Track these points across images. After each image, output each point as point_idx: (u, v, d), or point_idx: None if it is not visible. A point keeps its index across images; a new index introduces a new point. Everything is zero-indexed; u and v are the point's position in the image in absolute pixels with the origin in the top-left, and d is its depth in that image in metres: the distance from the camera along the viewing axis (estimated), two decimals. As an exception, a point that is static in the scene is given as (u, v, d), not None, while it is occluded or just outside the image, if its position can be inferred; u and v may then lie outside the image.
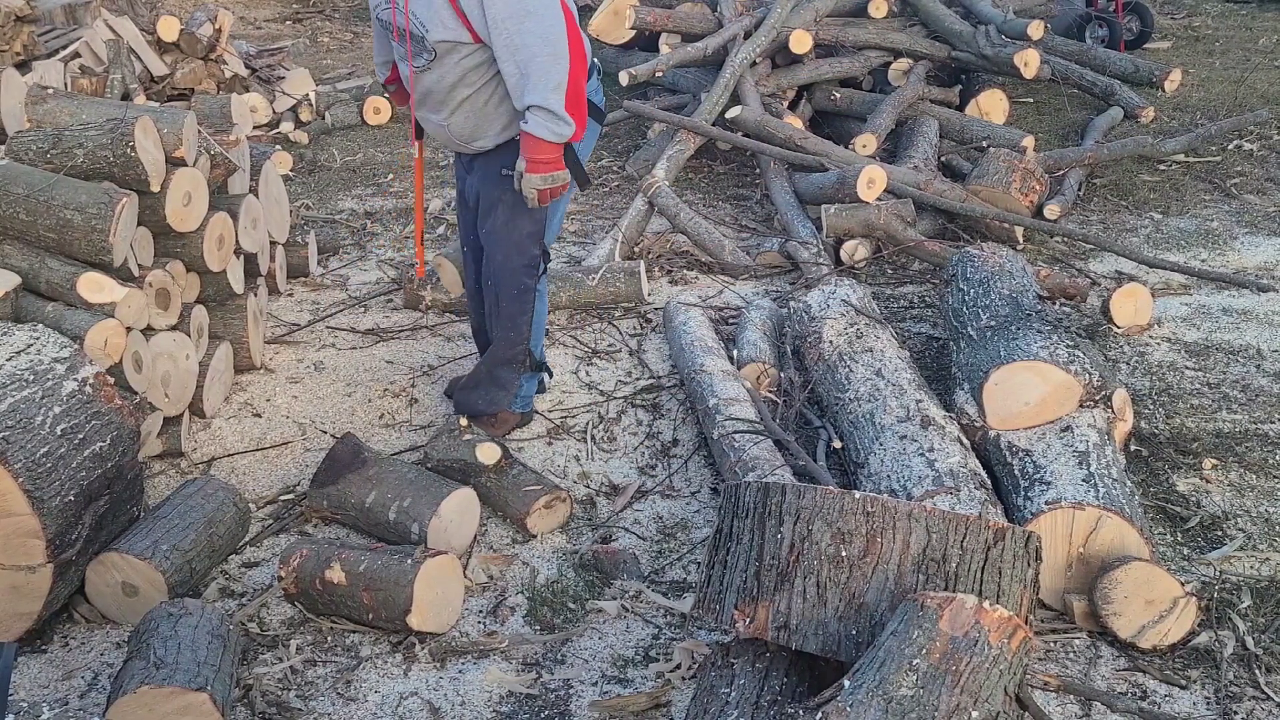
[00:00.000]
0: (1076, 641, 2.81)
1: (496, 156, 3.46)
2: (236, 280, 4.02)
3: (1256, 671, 2.68)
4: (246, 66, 7.58)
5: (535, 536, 3.29)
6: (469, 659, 2.83)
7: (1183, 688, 2.66)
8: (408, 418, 3.93)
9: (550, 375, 4.01)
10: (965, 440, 3.27)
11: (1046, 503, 2.89)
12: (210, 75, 7.19)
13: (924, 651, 1.97)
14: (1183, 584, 2.77)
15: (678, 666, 2.76)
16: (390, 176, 6.44)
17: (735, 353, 4.07)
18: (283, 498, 3.50)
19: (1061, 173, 5.76)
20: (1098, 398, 3.26)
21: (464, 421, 3.54)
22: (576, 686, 2.74)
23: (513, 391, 3.75)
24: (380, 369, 4.25)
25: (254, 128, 6.99)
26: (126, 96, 6.36)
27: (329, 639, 2.89)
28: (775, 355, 4.04)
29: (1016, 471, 3.09)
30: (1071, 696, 2.59)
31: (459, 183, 3.74)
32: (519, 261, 3.55)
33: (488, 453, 3.37)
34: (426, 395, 4.05)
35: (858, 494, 2.26)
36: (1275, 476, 3.45)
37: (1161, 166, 6.13)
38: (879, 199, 5.07)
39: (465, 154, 3.57)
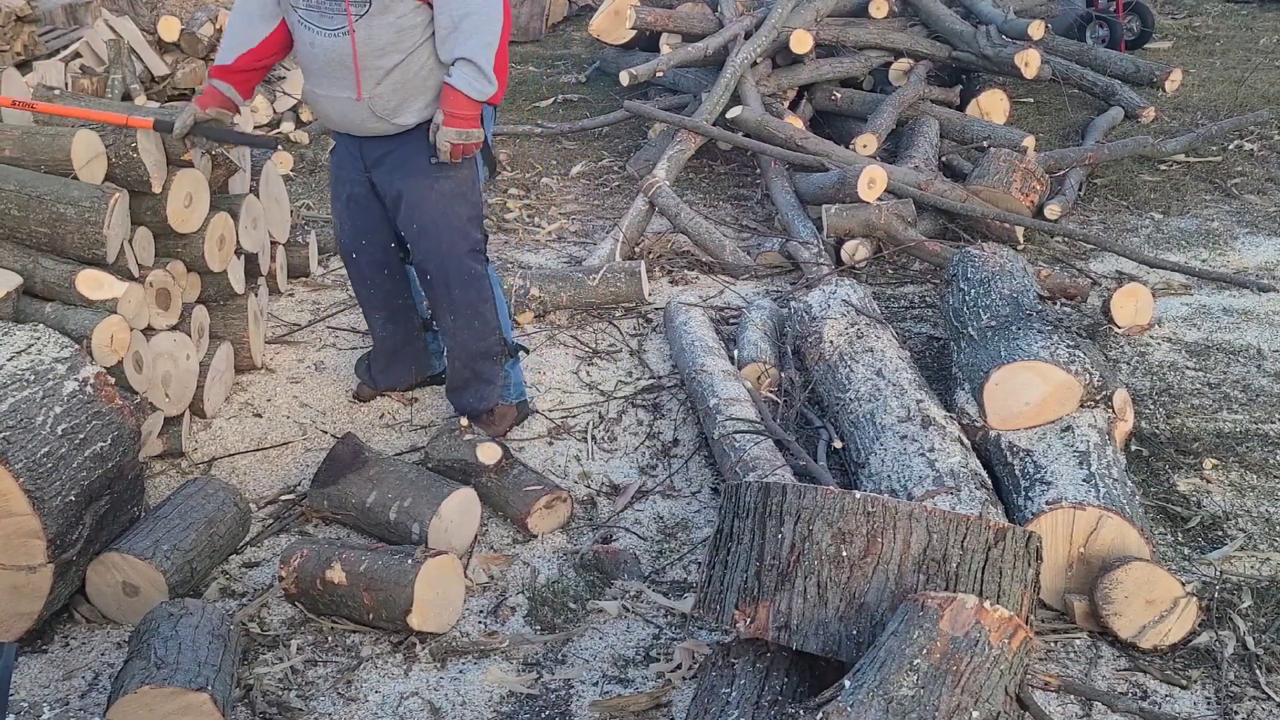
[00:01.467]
0: (1077, 641, 2.81)
1: (419, 145, 3.33)
2: (237, 280, 4.02)
3: (1257, 671, 2.68)
4: (247, 66, 7.57)
5: (536, 536, 3.29)
6: (469, 659, 2.83)
7: (1183, 688, 2.66)
8: (408, 417, 3.93)
9: (526, 353, 3.96)
10: (966, 440, 3.27)
11: (1047, 503, 2.89)
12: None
13: (924, 651, 1.97)
14: (1183, 584, 2.77)
15: (678, 666, 2.76)
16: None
17: (736, 353, 4.07)
18: (283, 498, 3.50)
19: (1062, 173, 5.75)
20: (1098, 398, 3.26)
21: (464, 422, 3.54)
22: (577, 686, 2.74)
23: (499, 383, 3.71)
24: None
25: (255, 127, 6.99)
26: (127, 96, 6.36)
27: (329, 639, 2.89)
28: (776, 355, 4.04)
29: (1017, 471, 3.09)
30: (1072, 696, 2.59)
31: (349, 185, 3.54)
32: (464, 248, 3.48)
33: (488, 453, 3.37)
34: (427, 395, 4.05)
35: (858, 494, 2.26)
36: (1276, 476, 3.45)
37: (1162, 166, 6.13)
38: (879, 199, 5.07)
39: (374, 143, 3.38)
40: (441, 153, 3.26)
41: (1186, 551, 3.13)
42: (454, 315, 3.58)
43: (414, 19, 3.17)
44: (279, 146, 3.36)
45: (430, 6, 3.16)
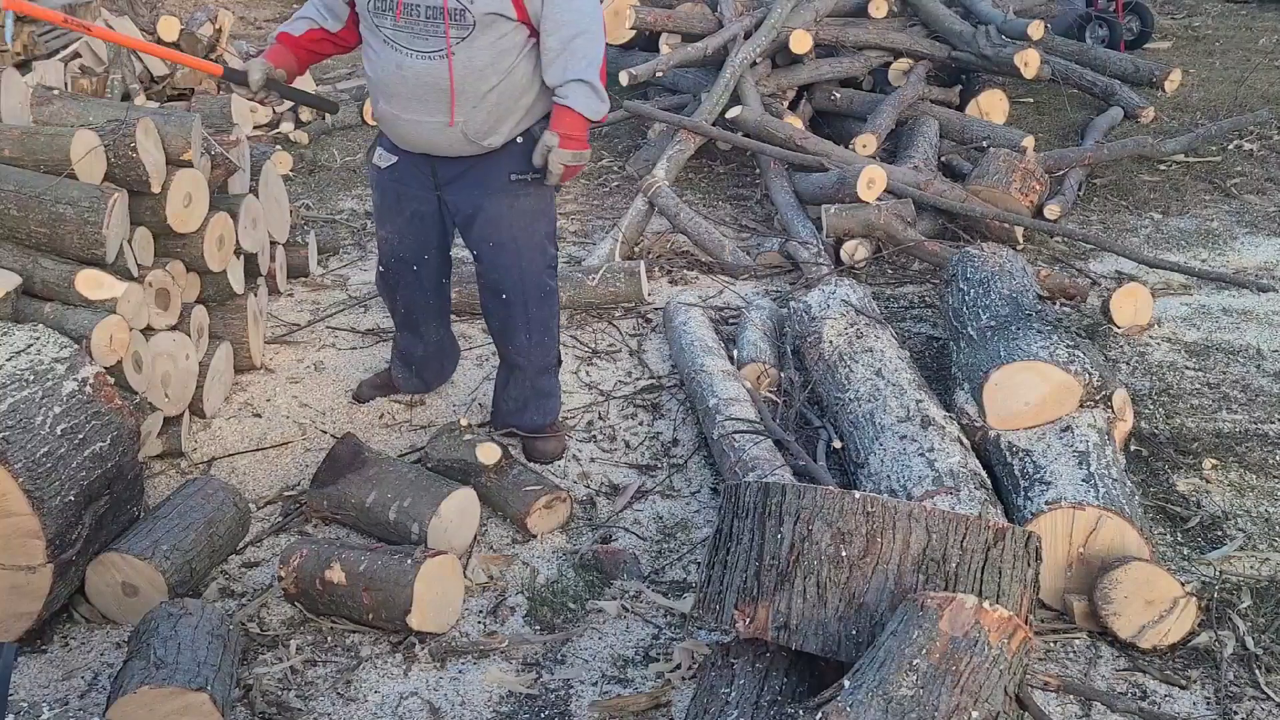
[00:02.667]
0: (1076, 641, 2.81)
1: (500, 162, 3.27)
2: (237, 280, 4.02)
3: (1256, 671, 2.68)
4: (247, 66, 7.57)
5: (535, 537, 3.29)
6: (469, 659, 2.83)
7: (1183, 688, 2.66)
8: (408, 418, 3.93)
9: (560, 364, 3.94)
10: (965, 440, 3.27)
11: (1046, 503, 2.89)
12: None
13: (924, 651, 1.97)
14: (1183, 584, 2.77)
15: (678, 666, 2.76)
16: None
17: (735, 353, 4.07)
18: (285, 494, 3.50)
19: (1061, 173, 5.76)
20: (1098, 398, 3.26)
21: (464, 421, 3.54)
22: (576, 686, 2.74)
23: (559, 395, 3.70)
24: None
25: (254, 128, 6.98)
26: (127, 97, 6.36)
27: (329, 639, 2.89)
28: (775, 355, 4.04)
29: (1016, 471, 3.09)
30: (1071, 696, 2.59)
31: (413, 202, 3.43)
32: (542, 264, 3.43)
33: (488, 453, 3.37)
34: (428, 395, 4.05)
35: (858, 494, 2.26)
36: (1275, 476, 3.45)
37: (1161, 167, 6.14)
38: (879, 199, 5.07)
39: (452, 162, 3.30)
40: (553, 176, 3.18)
41: (1186, 551, 3.13)
42: (529, 333, 3.50)
43: (513, 39, 3.09)
44: (339, 109, 3.37)
45: (527, 26, 3.09)
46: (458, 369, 4.09)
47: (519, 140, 3.26)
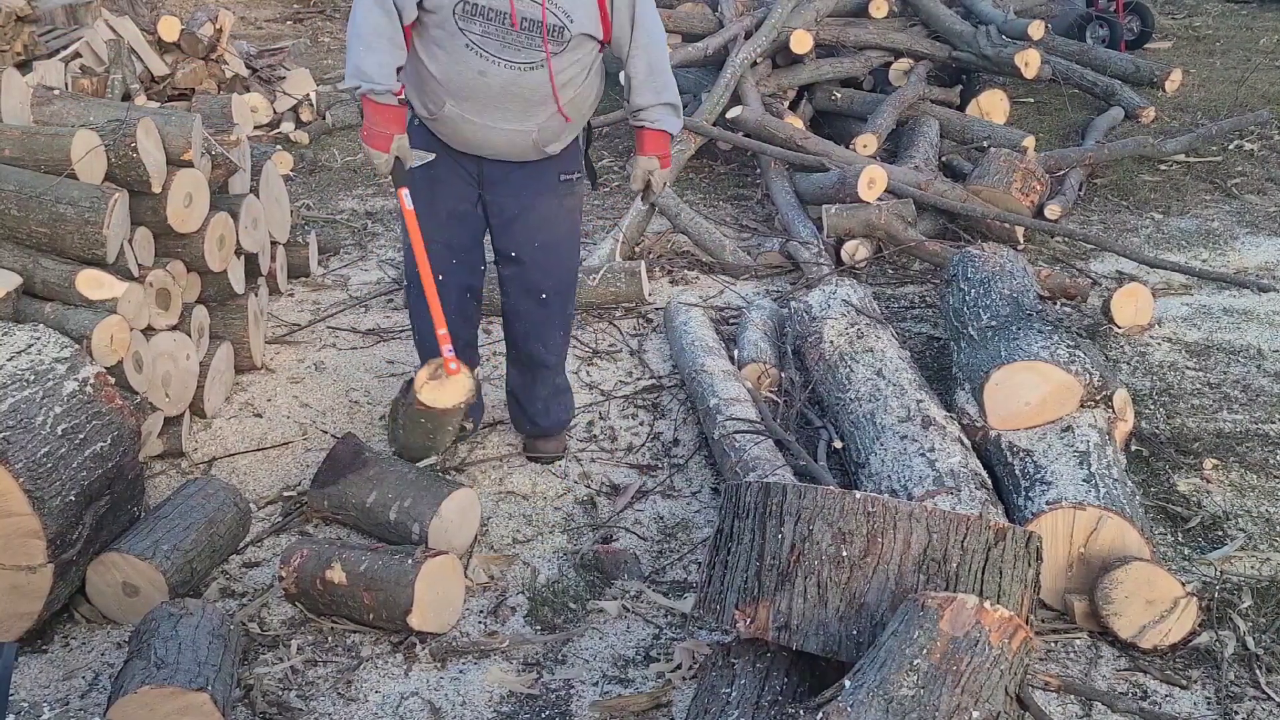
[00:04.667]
0: (1077, 641, 2.81)
1: (552, 164, 3.32)
2: (237, 280, 4.02)
3: (1257, 671, 2.68)
4: (247, 66, 7.59)
5: (436, 409, 3.32)
6: (470, 659, 2.83)
7: (1183, 688, 2.66)
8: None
9: None
10: (966, 440, 3.27)
11: (1047, 503, 2.89)
12: (211, 75, 7.20)
13: (925, 652, 1.97)
14: (1183, 584, 2.77)
15: (678, 666, 2.76)
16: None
17: (736, 353, 4.07)
18: (285, 494, 3.50)
19: (1062, 173, 5.76)
20: (1098, 398, 3.26)
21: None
22: (577, 686, 2.74)
23: (571, 391, 3.76)
24: (381, 369, 4.26)
25: (255, 128, 6.99)
26: (127, 97, 6.36)
27: (329, 639, 2.89)
28: (776, 355, 4.04)
29: (1017, 471, 3.09)
30: (1072, 696, 2.59)
31: (452, 200, 3.33)
32: (576, 264, 3.59)
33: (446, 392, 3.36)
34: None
35: (858, 494, 2.26)
36: (1276, 476, 3.45)
37: (1162, 167, 6.13)
38: (880, 199, 5.07)
39: (501, 164, 3.28)
40: (656, 192, 3.40)
41: (1186, 551, 3.13)
42: (563, 331, 3.58)
43: (591, 55, 3.21)
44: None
45: (604, 44, 3.20)
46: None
47: (571, 143, 3.36)
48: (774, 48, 6.40)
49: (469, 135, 3.23)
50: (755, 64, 6.27)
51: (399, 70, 3.12)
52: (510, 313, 3.54)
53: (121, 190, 3.41)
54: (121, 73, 6.42)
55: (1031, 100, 7.24)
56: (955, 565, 2.19)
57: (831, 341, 3.84)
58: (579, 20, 3.07)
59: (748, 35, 6.32)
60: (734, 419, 3.49)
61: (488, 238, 3.47)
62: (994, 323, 3.60)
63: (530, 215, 3.35)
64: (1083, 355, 3.32)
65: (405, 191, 3.21)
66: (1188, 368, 4.10)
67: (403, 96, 3.21)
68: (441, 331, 3.27)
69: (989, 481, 3.10)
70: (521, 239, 3.39)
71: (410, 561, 2.85)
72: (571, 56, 3.12)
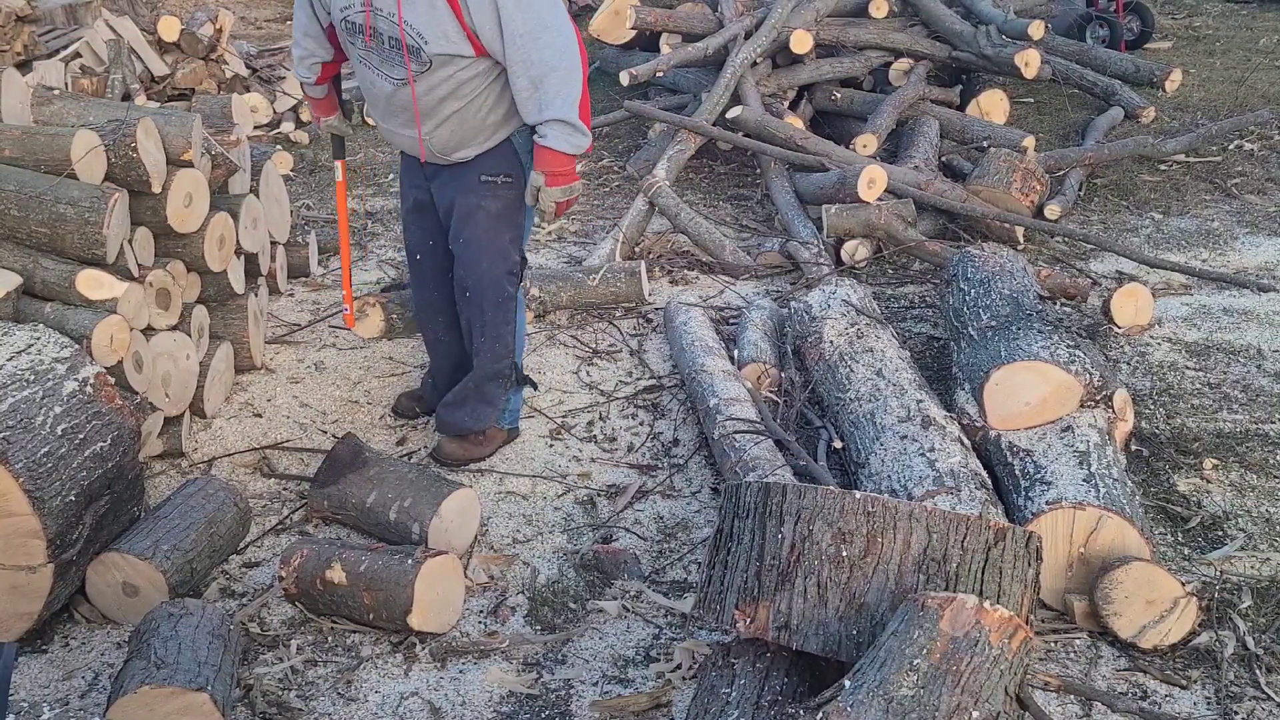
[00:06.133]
0: (1077, 641, 2.81)
1: (473, 166, 3.36)
2: (237, 280, 4.02)
3: (1257, 671, 2.68)
4: (247, 66, 7.59)
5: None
6: (469, 659, 2.83)
7: (1183, 688, 2.66)
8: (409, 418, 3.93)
9: (535, 388, 3.92)
10: (966, 440, 3.27)
11: (1047, 503, 2.89)
12: (211, 75, 7.20)
13: (925, 651, 1.97)
14: (1183, 584, 2.77)
15: (678, 666, 2.76)
16: (391, 176, 6.44)
17: (736, 353, 4.07)
18: (286, 494, 3.50)
19: (1062, 173, 5.76)
20: (1098, 398, 3.26)
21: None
22: (577, 686, 2.74)
23: (500, 407, 3.64)
24: (381, 369, 4.25)
25: (254, 128, 6.99)
26: (127, 97, 6.36)
27: (329, 639, 2.89)
28: (776, 355, 4.04)
29: (1017, 471, 3.09)
30: (1072, 696, 2.59)
31: (414, 191, 3.58)
32: (502, 269, 3.46)
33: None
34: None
35: (858, 494, 2.26)
36: (1276, 476, 3.45)
37: (1162, 167, 6.13)
38: (879, 199, 5.07)
39: (434, 162, 3.44)
40: (547, 214, 3.32)
41: (1186, 551, 3.13)
42: (483, 335, 3.55)
43: (473, 70, 3.16)
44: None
45: (489, 57, 3.15)
46: None
47: (493, 147, 3.33)
48: (774, 48, 6.40)
49: (387, 137, 3.50)
50: (755, 64, 6.27)
51: (327, 64, 3.54)
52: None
53: (121, 190, 3.41)
54: (121, 73, 6.41)
55: (1031, 100, 7.24)
56: (955, 565, 2.19)
57: (831, 341, 3.84)
58: (433, 42, 3.08)
59: (748, 35, 6.32)
60: (734, 419, 3.49)
61: None
62: (994, 323, 3.60)
63: (456, 212, 3.42)
64: (1083, 355, 3.32)
65: (339, 164, 3.87)
66: (1188, 368, 4.10)
67: (321, 82, 3.62)
68: (344, 293, 3.96)
69: (989, 481, 3.10)
70: (452, 234, 3.47)
71: (410, 561, 2.85)
72: (442, 74, 3.15)
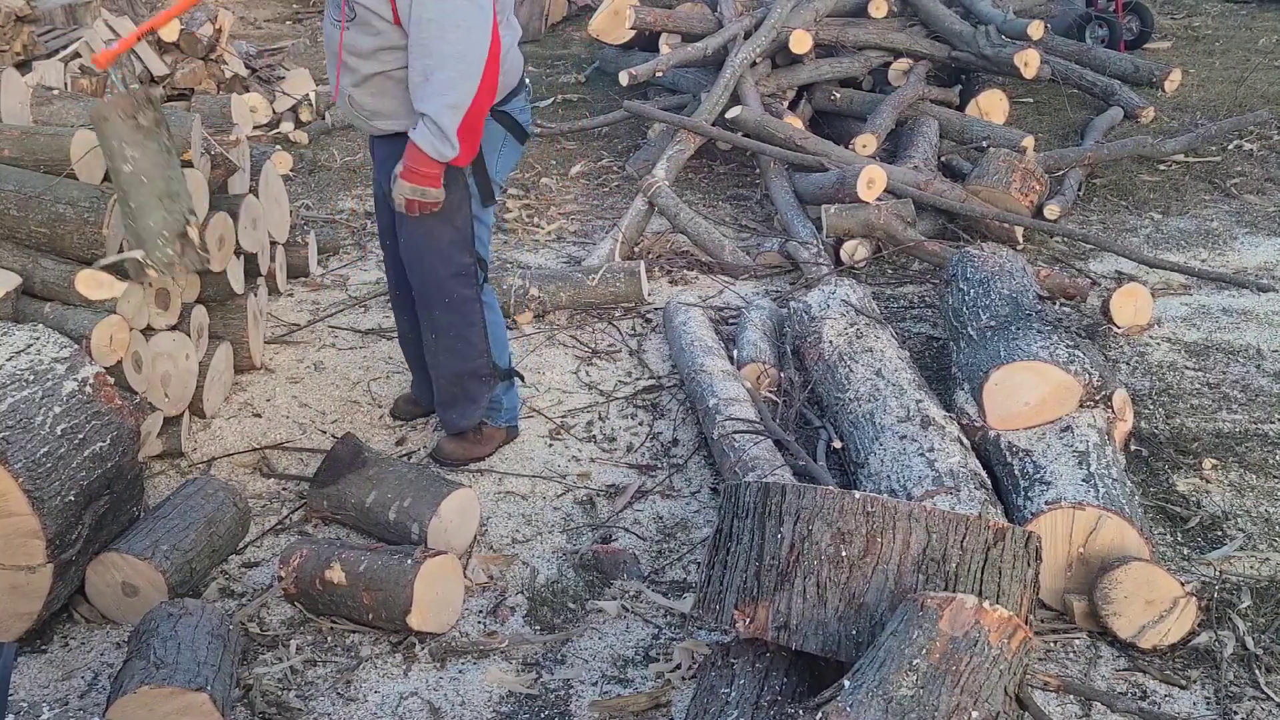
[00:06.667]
0: (1076, 641, 2.81)
1: (396, 151, 3.17)
2: (236, 280, 4.02)
3: (1256, 671, 2.68)
4: (246, 66, 7.59)
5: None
6: (469, 659, 2.83)
7: (1183, 688, 2.66)
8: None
9: (522, 380, 3.84)
10: (965, 440, 3.27)
11: (1046, 503, 2.89)
12: (210, 75, 7.20)
13: (924, 651, 1.97)
14: (1183, 584, 2.77)
15: (678, 666, 2.76)
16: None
17: (735, 353, 4.07)
18: (285, 494, 3.50)
19: (1061, 173, 5.76)
20: (1098, 398, 3.26)
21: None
22: (576, 686, 2.74)
23: (483, 403, 3.59)
24: (381, 369, 4.25)
25: (254, 128, 6.99)
26: (126, 96, 6.35)
27: (329, 639, 2.89)
28: (775, 355, 4.04)
29: (1016, 471, 3.09)
30: (1071, 696, 2.59)
31: (376, 183, 3.49)
32: (445, 272, 3.34)
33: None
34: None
35: (858, 494, 2.26)
36: (1275, 476, 3.45)
37: (1161, 166, 6.13)
38: (879, 199, 5.07)
39: (373, 142, 3.33)
40: (396, 205, 3.16)
41: (1186, 551, 3.13)
42: (435, 334, 3.46)
43: (394, 39, 3.04)
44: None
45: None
46: None
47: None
48: (773, 48, 6.40)
49: (340, 95, 3.30)
50: (755, 64, 6.27)
51: None
52: None
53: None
54: (121, 73, 6.41)
55: (1031, 100, 7.24)
56: (954, 565, 2.19)
57: (831, 341, 3.84)
58: None
59: (747, 35, 6.32)
60: (733, 419, 3.49)
61: None
62: (993, 323, 3.61)
63: (394, 208, 3.28)
64: (1082, 355, 3.32)
65: None
66: (1187, 368, 4.10)
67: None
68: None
69: (988, 481, 3.10)
70: (398, 232, 3.40)
71: (409, 561, 2.85)
72: (365, 30, 3.06)
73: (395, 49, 3.06)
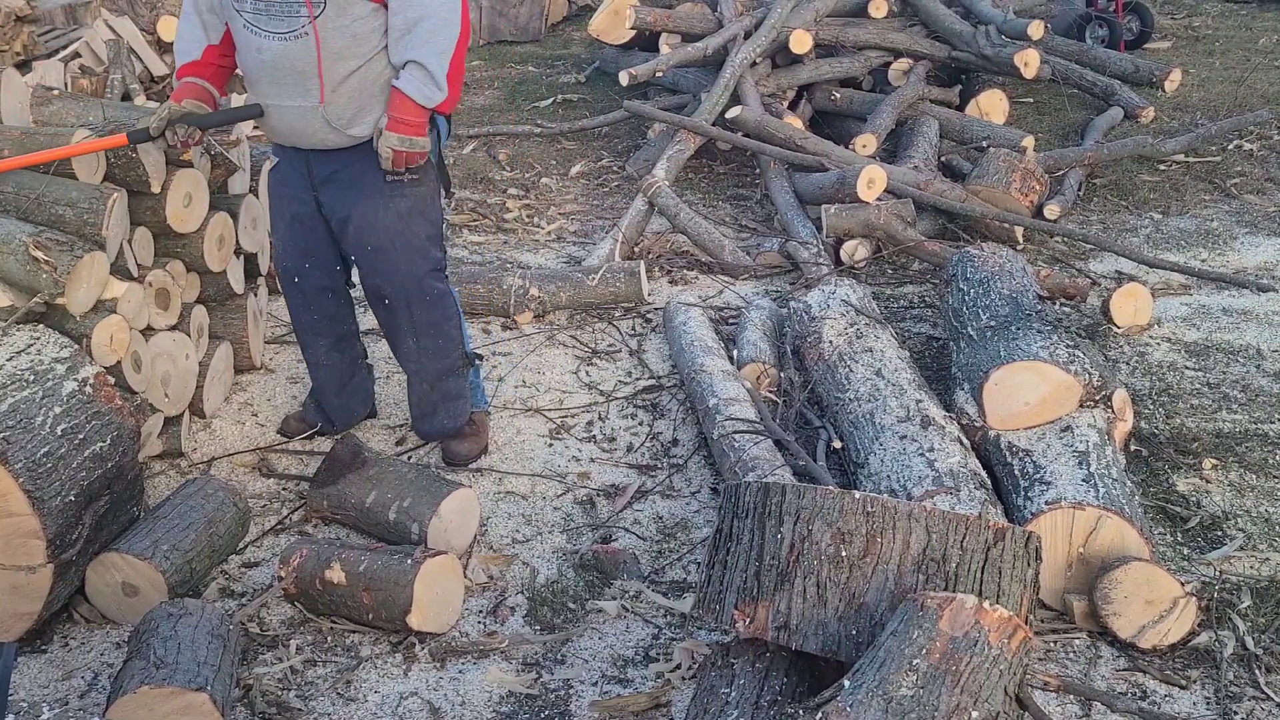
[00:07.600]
0: (1076, 641, 2.81)
1: (371, 163, 3.18)
2: (236, 280, 4.02)
3: (1256, 671, 2.68)
4: (246, 66, 7.58)
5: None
6: (469, 659, 2.83)
7: (1183, 688, 2.66)
8: (407, 418, 3.92)
9: (481, 359, 3.80)
10: (965, 440, 3.27)
11: (1046, 503, 2.89)
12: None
13: (924, 651, 1.97)
14: (1183, 584, 2.77)
15: (678, 666, 2.76)
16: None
17: (735, 353, 4.07)
18: (285, 494, 3.50)
19: (1061, 173, 5.76)
20: (1098, 398, 3.26)
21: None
22: (576, 686, 2.74)
23: (467, 395, 3.60)
24: (380, 369, 4.25)
25: (254, 128, 6.98)
26: (127, 97, 6.35)
27: (329, 639, 2.89)
28: (775, 355, 4.04)
29: (1016, 471, 3.09)
30: (1071, 696, 2.59)
31: (293, 204, 3.39)
32: (424, 268, 3.35)
33: None
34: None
35: (858, 494, 2.26)
36: (1275, 476, 3.45)
37: (1161, 166, 6.13)
38: (879, 199, 5.07)
39: (323, 159, 3.24)
40: (383, 160, 3.13)
41: (1186, 551, 3.13)
42: (416, 337, 3.45)
43: (371, 23, 3.04)
44: (263, 112, 3.20)
45: (386, 9, 3.04)
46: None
47: None
48: (773, 48, 6.41)
49: (274, 123, 3.24)
50: (755, 64, 6.27)
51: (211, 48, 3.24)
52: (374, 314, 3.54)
53: (121, 190, 3.41)
54: (121, 73, 6.41)
55: (1031, 100, 7.24)
56: (954, 565, 2.19)
57: (831, 341, 3.84)
58: None
59: (747, 35, 6.32)
60: (733, 419, 3.49)
61: None
62: (993, 323, 3.61)
63: (358, 218, 3.27)
64: (1082, 355, 3.32)
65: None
66: (1187, 368, 4.10)
67: (198, 63, 3.26)
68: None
69: (988, 481, 3.10)
70: (354, 242, 3.34)
71: (409, 561, 2.85)
72: (338, 20, 3.01)
73: (372, 32, 3.06)
